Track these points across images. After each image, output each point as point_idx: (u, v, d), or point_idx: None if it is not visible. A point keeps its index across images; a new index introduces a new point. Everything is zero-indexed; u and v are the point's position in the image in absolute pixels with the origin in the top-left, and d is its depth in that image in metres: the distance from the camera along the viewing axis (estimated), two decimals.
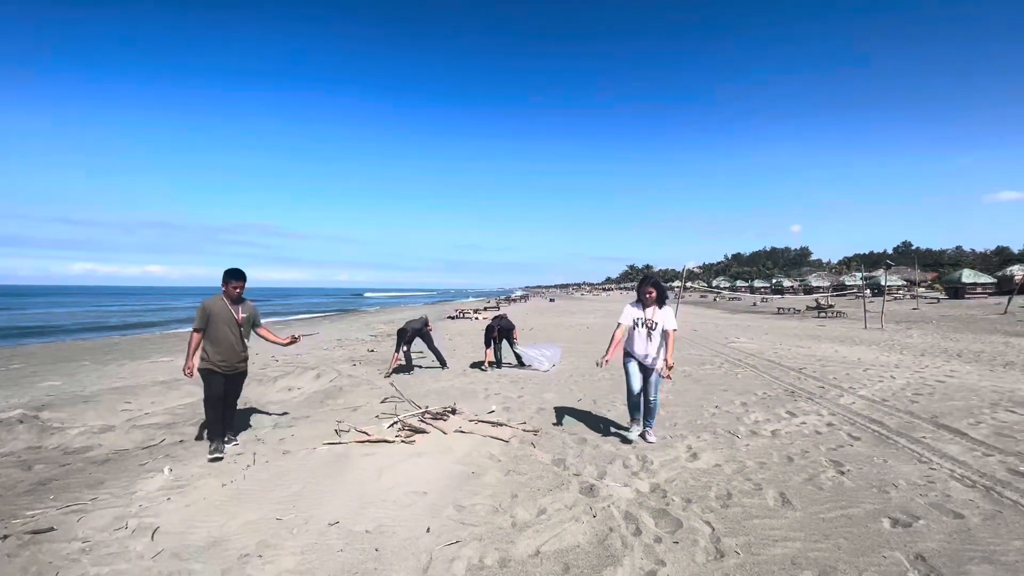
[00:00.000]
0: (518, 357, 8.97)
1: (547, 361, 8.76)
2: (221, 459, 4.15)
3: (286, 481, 3.69)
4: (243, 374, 4.73)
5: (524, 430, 4.90)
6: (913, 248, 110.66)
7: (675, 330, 4.55)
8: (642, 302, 4.56)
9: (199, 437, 4.90)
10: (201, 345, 4.40)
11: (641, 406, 4.61)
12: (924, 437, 4.58)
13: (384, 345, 12.95)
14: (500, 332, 8.91)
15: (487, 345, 8.84)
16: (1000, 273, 39.91)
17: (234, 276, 4.50)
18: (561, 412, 5.61)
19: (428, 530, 2.92)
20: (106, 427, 5.32)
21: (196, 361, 4.38)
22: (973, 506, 3.16)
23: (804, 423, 5.12)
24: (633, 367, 4.59)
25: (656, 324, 4.47)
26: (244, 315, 4.54)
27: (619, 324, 4.59)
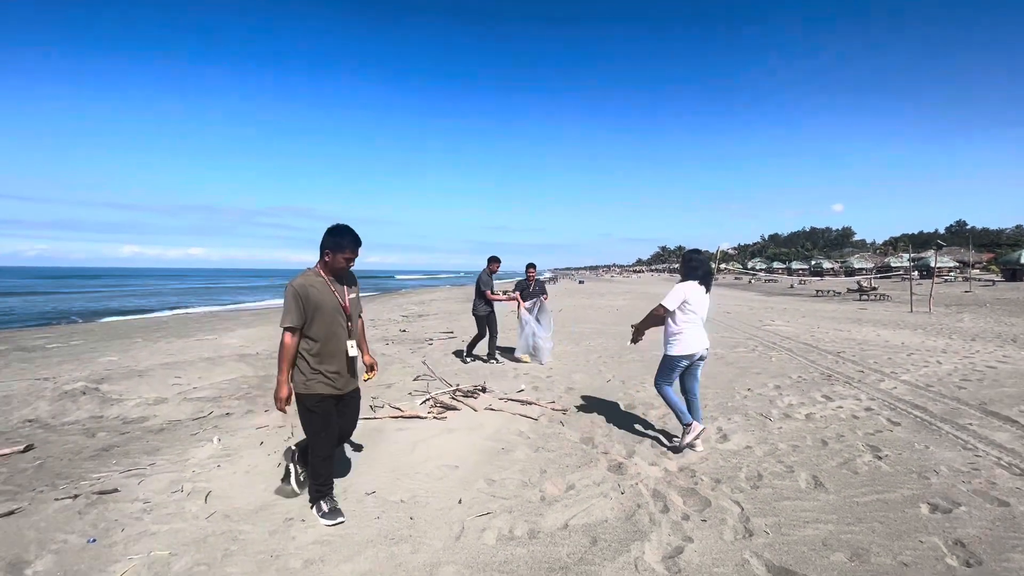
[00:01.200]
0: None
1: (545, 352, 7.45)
2: (343, 522, 2.76)
3: None
4: (358, 392, 3.13)
5: (553, 409, 4.97)
6: (968, 227, 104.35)
7: (661, 305, 3.88)
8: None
9: (284, 479, 3.21)
10: (295, 355, 2.76)
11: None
12: (970, 424, 4.41)
13: (415, 325, 13.21)
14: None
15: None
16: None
17: (347, 237, 2.79)
18: (589, 393, 5.65)
19: (460, 501, 3.03)
20: (159, 399, 5.67)
21: (288, 384, 2.76)
22: (1020, 494, 3.05)
23: (840, 407, 5.00)
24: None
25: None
26: (353, 297, 2.94)
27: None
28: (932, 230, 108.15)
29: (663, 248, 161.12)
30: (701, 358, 3.94)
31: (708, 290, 3.90)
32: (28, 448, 4.08)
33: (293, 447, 3.21)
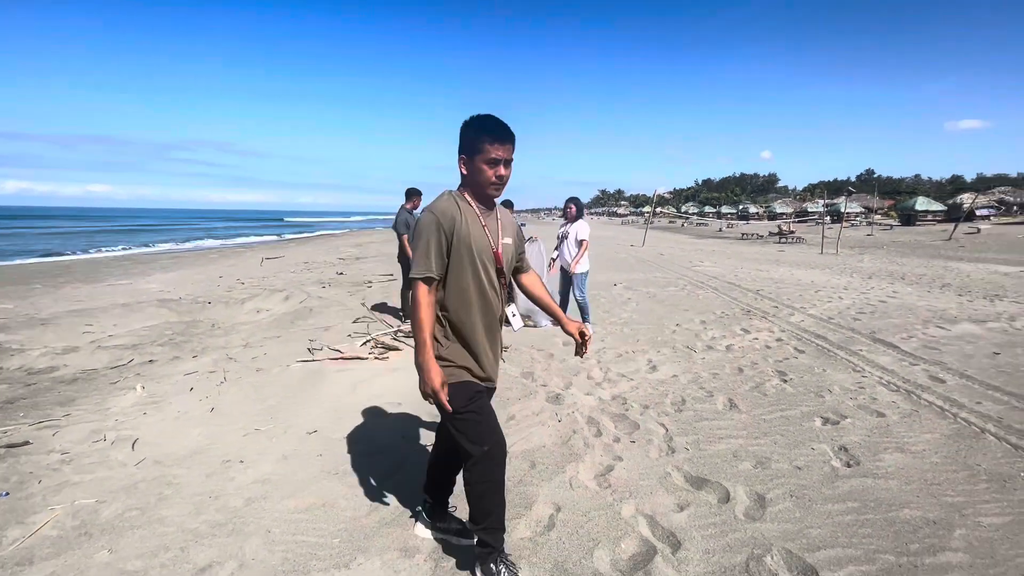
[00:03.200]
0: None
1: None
2: None
3: (262, 396, 3.79)
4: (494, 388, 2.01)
5: None
6: (875, 176, 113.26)
7: (584, 240, 5.60)
8: (565, 216, 5.79)
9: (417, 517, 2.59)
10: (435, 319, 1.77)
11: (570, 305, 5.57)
12: (861, 350, 5.00)
13: (353, 268, 12.81)
14: None
15: None
16: (951, 201, 41.67)
17: (490, 124, 1.73)
18: (528, 330, 5.82)
19: (403, 437, 3.10)
20: (69, 348, 5.22)
21: (437, 365, 1.72)
22: (895, 407, 3.54)
23: (756, 339, 5.48)
24: (562, 275, 5.83)
25: (566, 234, 5.67)
26: (508, 243, 1.89)
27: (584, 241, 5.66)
28: (845, 177, 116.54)
29: (603, 191, 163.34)
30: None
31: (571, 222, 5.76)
32: None
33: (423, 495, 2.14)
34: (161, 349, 5.23)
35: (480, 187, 1.76)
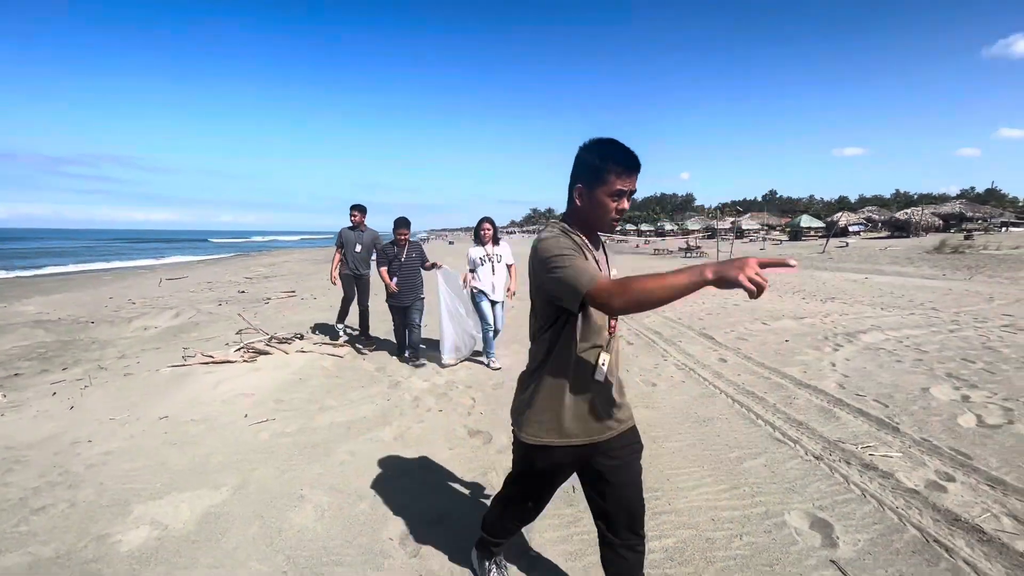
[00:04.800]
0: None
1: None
2: None
3: (125, 395, 4.19)
4: (634, 438, 1.75)
5: (360, 351, 5.71)
6: (777, 196, 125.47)
7: (512, 264, 5.17)
8: (480, 239, 5.04)
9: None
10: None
11: (491, 336, 5.09)
12: (681, 342, 6.11)
13: (257, 287, 12.88)
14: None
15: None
16: (829, 219, 47.33)
17: (616, 152, 1.49)
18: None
19: (245, 416, 3.68)
20: None
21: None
22: (670, 379, 4.56)
23: None
24: (485, 305, 5.00)
25: (500, 257, 5.04)
26: (616, 273, 1.60)
27: (468, 269, 5.06)
28: (753, 197, 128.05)
29: (534, 210, 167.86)
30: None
31: (493, 245, 5.11)
32: None
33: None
34: (29, 364, 5.38)
35: (596, 221, 1.53)
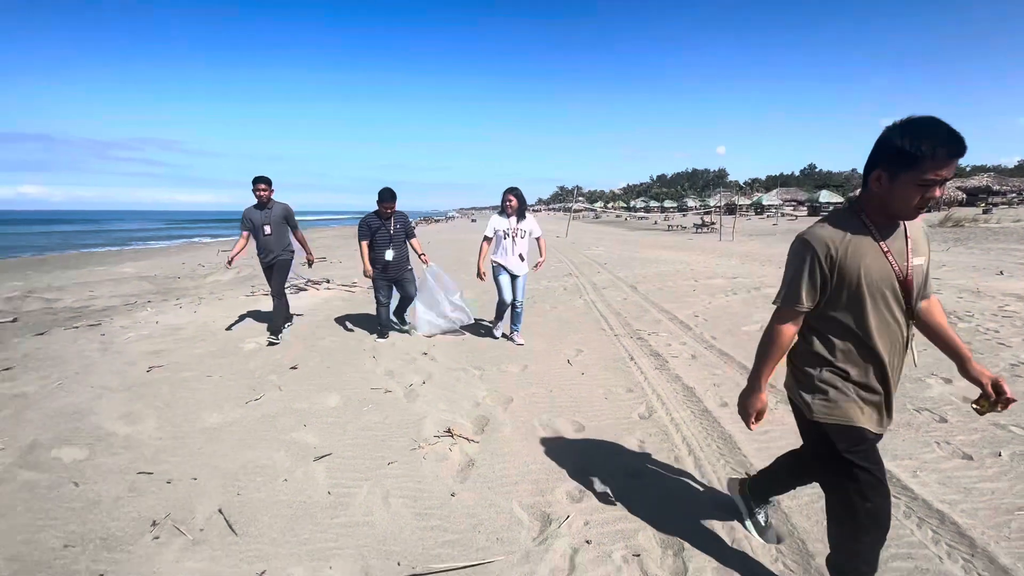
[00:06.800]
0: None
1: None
2: None
3: (225, 309, 6.70)
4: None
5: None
6: (816, 170, 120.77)
7: (540, 237, 4.97)
8: (505, 211, 4.81)
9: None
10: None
11: (508, 312, 5.04)
12: (606, 289, 8.26)
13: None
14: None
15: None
16: (851, 194, 47.17)
17: (948, 142, 1.27)
18: None
19: (301, 315, 6.12)
20: (91, 298, 7.98)
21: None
22: (576, 311, 6.78)
23: (556, 284, 8.72)
24: (504, 279, 4.86)
25: (524, 232, 4.80)
26: (919, 264, 1.51)
27: (484, 237, 4.86)
28: (790, 172, 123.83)
29: (561, 188, 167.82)
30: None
31: (517, 219, 4.80)
32: (14, 320, 6.43)
33: (744, 481, 2.17)
34: (151, 297, 8.05)
35: (896, 210, 1.40)
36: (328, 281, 8.73)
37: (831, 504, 1.62)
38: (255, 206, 5.09)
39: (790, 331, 1.56)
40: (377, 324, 5.23)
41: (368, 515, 2.24)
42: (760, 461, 2.58)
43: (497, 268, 4.88)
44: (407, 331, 5.41)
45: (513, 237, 4.78)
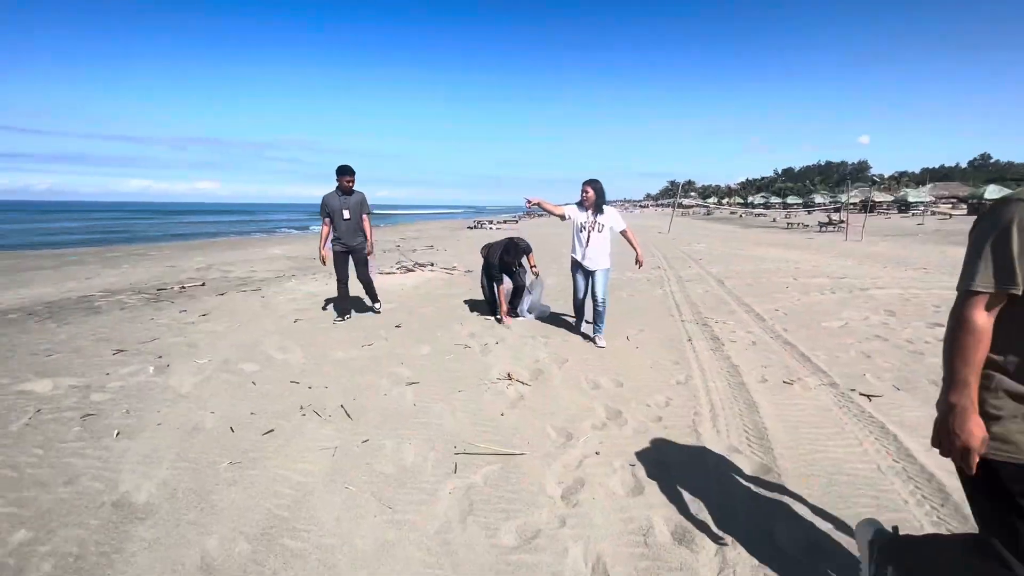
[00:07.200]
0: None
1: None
2: None
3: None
4: None
5: (450, 272, 9.16)
6: (992, 161, 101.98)
7: (626, 230, 4.69)
8: (582, 204, 4.60)
9: None
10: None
11: (586, 309, 4.99)
12: (691, 282, 8.47)
13: (407, 244, 17.38)
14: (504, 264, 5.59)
15: (488, 286, 5.79)
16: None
17: None
18: None
19: (406, 285, 7.27)
20: (251, 271, 10.01)
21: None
22: (651, 296, 7.17)
23: (644, 274, 9.11)
24: (578, 276, 4.80)
25: (601, 226, 4.57)
26: None
27: (567, 216, 4.66)
28: (954, 163, 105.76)
29: (672, 183, 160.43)
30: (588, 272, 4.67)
31: (594, 213, 4.59)
32: (203, 284, 8.42)
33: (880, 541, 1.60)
34: (297, 272, 9.88)
35: None
36: (432, 264, 9.98)
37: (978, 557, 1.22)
38: (335, 192, 5.37)
39: (988, 323, 1.15)
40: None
41: (439, 420, 3.07)
42: (777, 425, 2.95)
43: (573, 265, 4.85)
44: (520, 316, 5.75)
45: (589, 231, 4.58)
